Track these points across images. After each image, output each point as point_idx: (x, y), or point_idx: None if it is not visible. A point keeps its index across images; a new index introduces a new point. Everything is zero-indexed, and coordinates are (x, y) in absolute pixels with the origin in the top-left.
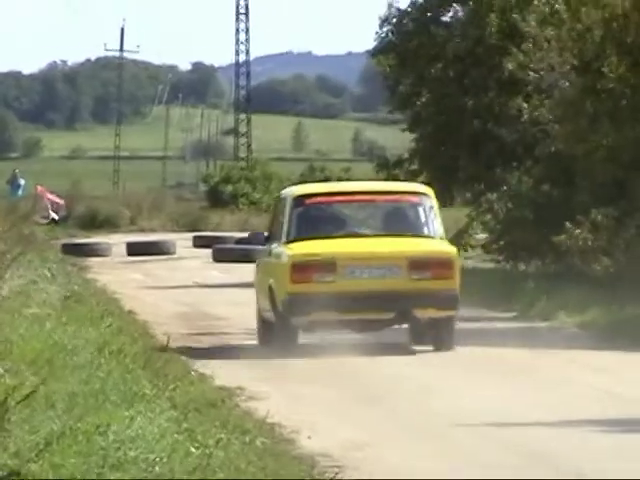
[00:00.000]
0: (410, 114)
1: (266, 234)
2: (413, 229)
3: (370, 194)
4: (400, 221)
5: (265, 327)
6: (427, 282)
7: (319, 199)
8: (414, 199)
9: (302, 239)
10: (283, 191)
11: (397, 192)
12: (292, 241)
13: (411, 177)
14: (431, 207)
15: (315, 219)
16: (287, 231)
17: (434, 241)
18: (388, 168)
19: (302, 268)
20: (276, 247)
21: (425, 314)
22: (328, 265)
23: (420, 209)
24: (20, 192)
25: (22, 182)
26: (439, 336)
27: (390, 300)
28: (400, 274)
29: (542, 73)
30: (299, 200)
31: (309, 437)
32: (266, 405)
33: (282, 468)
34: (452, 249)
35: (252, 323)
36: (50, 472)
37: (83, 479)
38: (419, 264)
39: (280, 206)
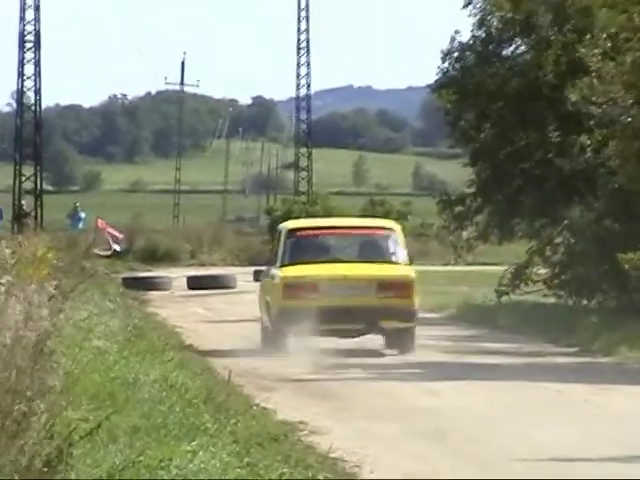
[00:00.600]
0: (471, 149)
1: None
2: (381, 256)
3: (348, 228)
4: (371, 250)
5: (265, 334)
6: (391, 300)
7: (307, 232)
8: (383, 233)
9: (293, 264)
10: (280, 225)
11: (370, 227)
12: (285, 265)
13: (473, 214)
14: (397, 239)
15: (303, 248)
16: (281, 257)
17: (398, 266)
18: (451, 205)
19: (291, 287)
20: (272, 270)
21: (389, 325)
22: (312, 285)
23: (388, 241)
24: (81, 225)
25: (83, 215)
26: (403, 343)
27: (361, 314)
28: (369, 293)
29: (604, 107)
30: (291, 232)
31: (371, 472)
32: (328, 439)
33: None
34: (411, 273)
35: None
36: None
37: None
38: (384, 285)
39: (277, 237)
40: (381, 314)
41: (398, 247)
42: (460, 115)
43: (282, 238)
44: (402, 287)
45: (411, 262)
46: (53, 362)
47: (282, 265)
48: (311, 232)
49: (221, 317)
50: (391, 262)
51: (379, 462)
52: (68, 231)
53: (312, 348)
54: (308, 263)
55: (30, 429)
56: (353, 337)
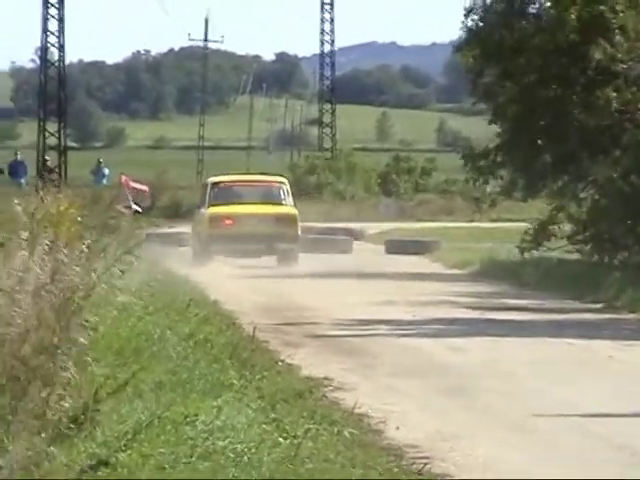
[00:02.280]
0: (493, 106)
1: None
2: (275, 200)
3: (253, 181)
4: (268, 196)
5: (195, 254)
6: (281, 229)
7: (225, 183)
8: (276, 184)
9: (215, 205)
10: (207, 179)
11: (267, 180)
12: (210, 206)
13: (496, 168)
14: (286, 189)
15: (223, 194)
16: (208, 201)
17: (286, 207)
18: (474, 159)
19: (215, 220)
20: (202, 210)
21: (281, 247)
22: (228, 218)
23: (280, 190)
24: (104, 181)
25: (106, 171)
26: (289, 259)
27: (262, 238)
28: (267, 224)
29: (630, 64)
30: (214, 184)
31: (397, 428)
32: (354, 396)
33: (370, 459)
34: (295, 211)
35: (337, 313)
36: (139, 461)
37: (171, 468)
38: (277, 219)
39: (204, 188)
40: (275, 238)
41: (287, 195)
42: (482, 72)
43: (208, 188)
44: (288, 220)
45: (295, 205)
46: (80, 318)
47: (209, 206)
48: (228, 184)
49: (245, 273)
50: (281, 204)
51: (405, 418)
52: (92, 187)
53: (228, 261)
54: (226, 205)
55: (57, 385)
56: (258, 256)
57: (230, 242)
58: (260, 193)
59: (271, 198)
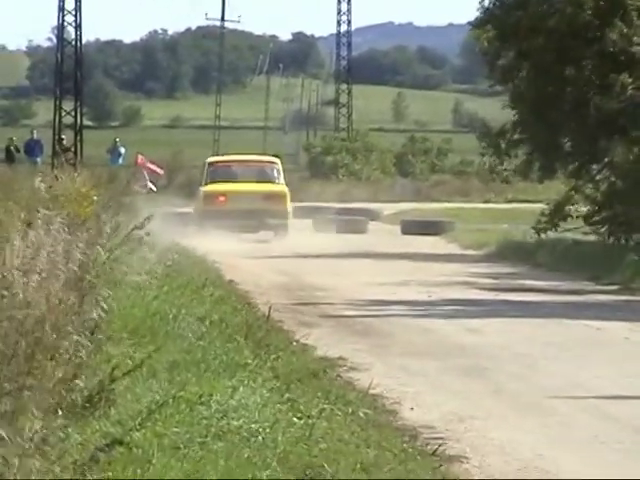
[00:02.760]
0: (510, 88)
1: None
2: (268, 179)
3: (247, 161)
4: (261, 175)
5: (194, 228)
6: (272, 205)
7: (221, 163)
8: (269, 164)
9: (211, 183)
10: (205, 160)
11: (261, 160)
12: (207, 184)
13: (513, 147)
14: (278, 169)
15: (219, 173)
16: (205, 179)
17: (278, 185)
18: (490, 137)
19: (209, 197)
20: (200, 188)
21: (273, 222)
22: (222, 195)
23: (273, 170)
24: (121, 160)
25: (123, 150)
26: (281, 233)
27: (255, 214)
28: (260, 201)
29: None
30: (211, 164)
31: (412, 409)
32: (368, 376)
33: (385, 439)
34: (284, 189)
35: (352, 293)
36: (153, 441)
37: (186, 448)
38: (269, 196)
39: (202, 167)
40: (267, 214)
41: (279, 174)
42: (499, 54)
43: (206, 168)
44: (279, 197)
45: (286, 184)
46: (95, 297)
47: (205, 184)
48: (224, 163)
49: (260, 253)
50: (273, 182)
51: (419, 399)
52: (108, 166)
53: (244, 240)
54: (221, 183)
55: (72, 364)
56: (251, 232)
57: (225, 217)
58: (254, 172)
59: (264, 177)
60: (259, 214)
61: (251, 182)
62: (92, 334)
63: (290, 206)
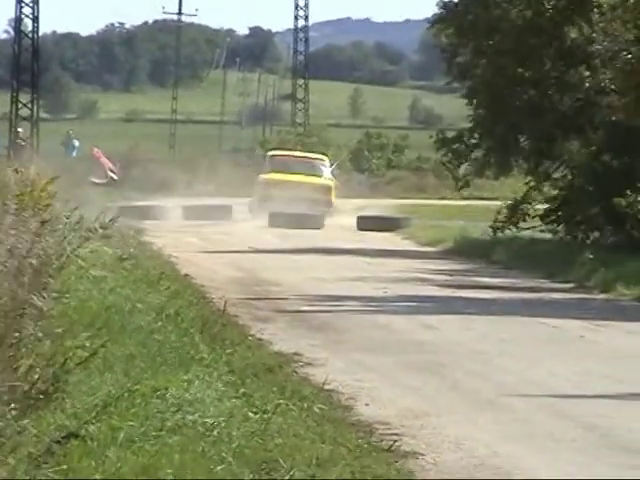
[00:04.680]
0: (468, 85)
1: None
2: (318, 173)
3: (301, 157)
4: (313, 169)
5: (254, 209)
6: (321, 195)
7: (281, 157)
8: (318, 160)
9: (273, 172)
10: (268, 152)
11: (312, 157)
12: (267, 173)
13: (471, 150)
14: (326, 164)
15: (279, 164)
16: (266, 168)
17: (326, 179)
18: (447, 144)
19: (269, 184)
20: (261, 175)
21: (322, 210)
22: (282, 183)
23: (321, 165)
24: (74, 153)
25: (76, 143)
26: (322, 221)
27: (306, 201)
28: (310, 191)
29: (605, 43)
30: (272, 156)
31: (367, 404)
32: (324, 371)
33: (340, 435)
34: (330, 182)
35: (307, 289)
36: (109, 434)
37: (141, 441)
38: (319, 187)
39: (264, 158)
40: (316, 202)
41: (326, 169)
42: (457, 51)
43: (268, 158)
44: (326, 189)
45: (335, 178)
46: (50, 289)
47: (266, 173)
48: (283, 157)
49: (216, 248)
50: (321, 176)
51: (374, 394)
52: (64, 158)
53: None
54: (282, 173)
55: (26, 356)
56: (301, 215)
57: (284, 203)
58: (307, 166)
59: (315, 171)
60: (311, 201)
61: (305, 174)
62: (47, 326)
63: (335, 197)
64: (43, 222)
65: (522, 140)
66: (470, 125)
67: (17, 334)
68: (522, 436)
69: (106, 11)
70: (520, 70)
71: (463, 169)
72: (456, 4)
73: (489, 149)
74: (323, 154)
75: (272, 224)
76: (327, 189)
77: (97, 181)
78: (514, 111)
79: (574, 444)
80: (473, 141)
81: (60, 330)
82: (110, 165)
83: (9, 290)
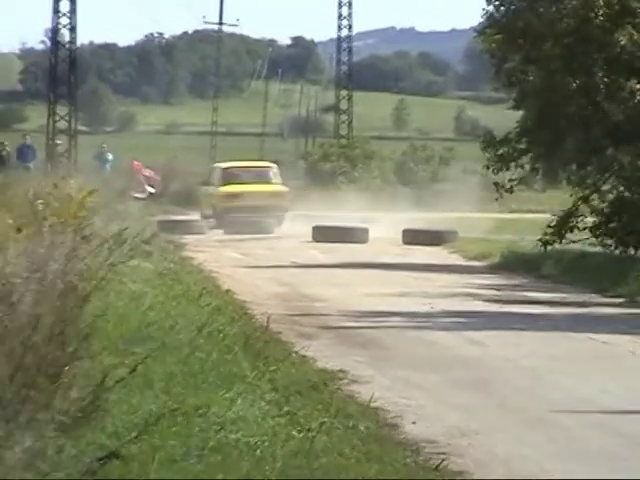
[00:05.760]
0: (516, 92)
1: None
2: (268, 180)
3: (250, 167)
4: (263, 177)
5: (211, 221)
6: (275, 201)
7: (232, 169)
8: (267, 168)
9: (225, 184)
10: (214, 165)
11: (261, 165)
12: (221, 185)
13: (518, 155)
14: (275, 172)
15: (230, 176)
16: (219, 181)
17: (277, 185)
18: (494, 145)
19: (228, 196)
20: (213, 188)
21: (275, 216)
22: (238, 195)
23: (271, 172)
24: (108, 167)
25: (110, 157)
26: (280, 224)
27: (260, 209)
28: (264, 198)
29: None
30: (223, 169)
31: (414, 422)
32: (369, 389)
33: (386, 454)
34: (284, 188)
35: (352, 304)
36: (150, 453)
37: (183, 461)
38: (271, 194)
39: (212, 171)
40: (270, 209)
41: (276, 176)
42: (505, 57)
43: (218, 171)
44: (279, 195)
45: (284, 184)
46: (90, 306)
47: (219, 185)
48: (234, 169)
49: (258, 262)
50: (273, 183)
51: (421, 412)
52: (102, 172)
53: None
54: (233, 184)
55: (66, 374)
56: (257, 224)
57: (237, 212)
58: (257, 175)
59: (265, 179)
60: (264, 208)
61: (255, 183)
62: (87, 344)
63: (288, 203)
64: (83, 237)
65: (570, 149)
66: (518, 130)
67: (57, 353)
68: (573, 454)
69: (145, 21)
70: (570, 78)
71: (509, 175)
72: (506, 11)
73: (537, 158)
74: (273, 162)
75: (228, 232)
76: (281, 195)
77: (138, 196)
78: (563, 120)
79: (626, 463)
80: (521, 146)
81: (100, 348)
82: (154, 176)
83: (48, 308)
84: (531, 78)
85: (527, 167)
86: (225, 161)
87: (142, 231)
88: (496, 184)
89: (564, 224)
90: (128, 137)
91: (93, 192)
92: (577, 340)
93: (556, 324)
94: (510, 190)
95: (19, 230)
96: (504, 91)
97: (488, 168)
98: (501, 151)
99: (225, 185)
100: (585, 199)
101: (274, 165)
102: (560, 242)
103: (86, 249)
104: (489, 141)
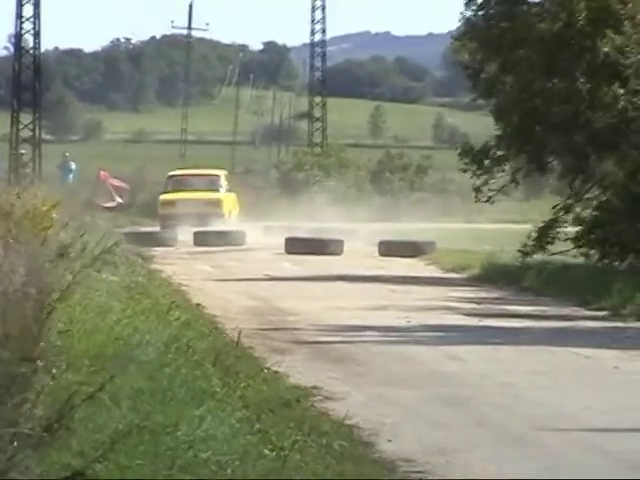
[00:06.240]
0: (494, 103)
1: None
2: (212, 187)
3: (197, 175)
4: (208, 184)
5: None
6: (213, 209)
7: (178, 177)
8: (215, 176)
9: (169, 192)
10: (168, 173)
11: (208, 174)
12: (165, 193)
13: (497, 164)
14: (221, 180)
15: (176, 184)
16: (164, 189)
17: (220, 193)
18: (473, 155)
19: (165, 203)
20: (160, 196)
21: (213, 222)
22: (174, 203)
23: (217, 180)
24: (71, 177)
25: (73, 166)
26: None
27: (200, 215)
28: (203, 205)
29: (639, 56)
30: (170, 176)
31: (390, 440)
32: (344, 406)
33: (361, 473)
34: (222, 195)
35: (326, 319)
36: (116, 473)
37: None
38: (210, 202)
39: (165, 179)
40: (209, 215)
41: (220, 184)
42: (482, 67)
43: (166, 179)
44: (218, 202)
45: (230, 190)
46: (54, 320)
47: (164, 193)
48: (180, 177)
49: (229, 275)
50: (217, 191)
51: (398, 430)
52: (65, 182)
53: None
54: (176, 192)
55: (29, 391)
56: (198, 227)
57: (176, 220)
58: (203, 182)
59: (210, 186)
60: (204, 215)
61: (199, 191)
62: (51, 360)
63: (227, 209)
64: (46, 249)
65: (552, 159)
66: (498, 139)
67: (20, 369)
68: (555, 473)
69: (111, 26)
70: (550, 85)
71: (489, 184)
72: (480, 18)
73: (517, 169)
74: (221, 169)
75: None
76: (220, 202)
77: (106, 205)
78: (544, 128)
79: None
80: (500, 153)
81: (64, 364)
82: (122, 185)
83: (12, 323)
84: (509, 87)
85: (507, 177)
86: (185, 169)
87: (104, 241)
88: (476, 189)
89: (545, 234)
90: (95, 146)
91: (57, 204)
92: (559, 355)
93: (537, 338)
94: (489, 201)
95: None
96: (483, 101)
97: (465, 172)
98: (480, 161)
99: (166, 193)
100: (567, 208)
101: (221, 173)
102: (543, 251)
103: (50, 261)
104: (468, 151)
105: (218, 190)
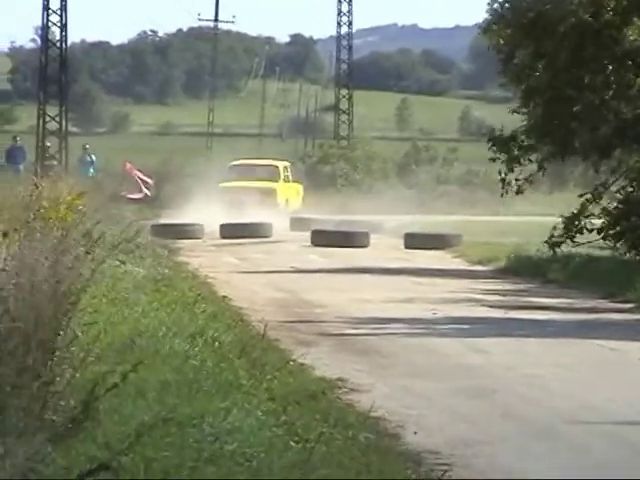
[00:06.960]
0: (524, 88)
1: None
2: (272, 177)
3: (256, 165)
4: (267, 174)
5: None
6: (267, 198)
7: (238, 166)
8: (273, 167)
9: (232, 180)
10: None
11: (267, 164)
12: (225, 181)
13: (524, 152)
14: (279, 170)
15: (236, 172)
16: (226, 177)
17: (275, 183)
18: (501, 143)
19: (227, 191)
20: (223, 183)
21: (267, 210)
22: (231, 190)
23: (276, 170)
24: (91, 170)
25: (94, 159)
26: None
27: (259, 199)
28: (258, 194)
29: None
30: (232, 166)
31: (415, 432)
32: (369, 398)
33: (387, 465)
34: (277, 185)
35: (352, 311)
36: (142, 465)
37: (176, 474)
38: (265, 191)
39: (226, 168)
40: (264, 203)
41: (276, 174)
42: (513, 53)
43: (228, 169)
44: (273, 192)
45: (292, 181)
46: (78, 312)
47: (224, 181)
48: (239, 166)
49: (255, 268)
50: (275, 181)
51: (423, 422)
52: (85, 176)
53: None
54: (240, 180)
55: (55, 383)
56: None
57: (241, 201)
58: (262, 171)
59: (270, 176)
60: (261, 201)
61: (258, 180)
62: (75, 352)
63: (280, 197)
64: (72, 241)
65: (579, 148)
66: (526, 127)
67: (47, 361)
68: (581, 465)
69: (138, 18)
70: (579, 74)
71: (516, 174)
72: (509, 9)
73: (543, 158)
74: (282, 160)
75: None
76: (272, 192)
77: (133, 197)
78: (571, 117)
79: (634, 473)
80: (530, 142)
81: (90, 356)
82: (146, 179)
83: (37, 314)
84: (538, 74)
85: (535, 166)
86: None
87: (127, 231)
88: (503, 180)
89: (572, 225)
90: (121, 138)
91: (82, 195)
92: (584, 347)
93: (562, 330)
94: (519, 191)
95: (5, 235)
96: (511, 87)
97: (493, 160)
98: (508, 147)
99: (227, 181)
100: (594, 200)
101: (280, 163)
102: (572, 241)
103: (78, 253)
104: (497, 138)
105: (276, 180)
